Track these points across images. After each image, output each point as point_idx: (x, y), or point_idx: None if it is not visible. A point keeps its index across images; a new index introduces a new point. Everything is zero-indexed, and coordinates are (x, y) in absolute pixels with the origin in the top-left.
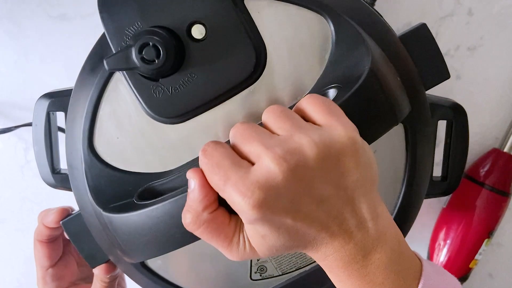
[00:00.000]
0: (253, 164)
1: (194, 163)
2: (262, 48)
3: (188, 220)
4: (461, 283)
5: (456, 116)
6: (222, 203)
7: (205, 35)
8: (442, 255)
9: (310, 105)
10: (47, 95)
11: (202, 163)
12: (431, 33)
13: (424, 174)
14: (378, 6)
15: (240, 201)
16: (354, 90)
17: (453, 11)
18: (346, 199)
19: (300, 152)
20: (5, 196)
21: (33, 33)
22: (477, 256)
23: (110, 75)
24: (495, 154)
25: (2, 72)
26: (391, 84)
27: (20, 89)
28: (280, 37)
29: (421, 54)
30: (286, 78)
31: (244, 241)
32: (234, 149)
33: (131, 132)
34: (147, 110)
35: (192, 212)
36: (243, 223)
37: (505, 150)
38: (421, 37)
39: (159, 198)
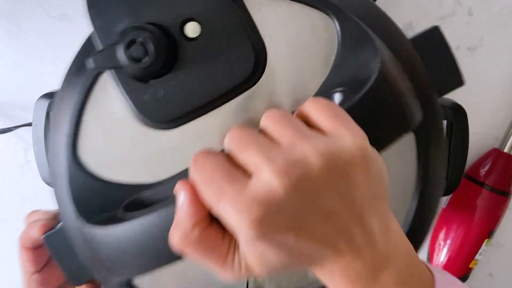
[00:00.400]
0: (250, 176)
1: (186, 174)
2: (261, 48)
3: (176, 238)
4: None
5: (456, 116)
6: (214, 218)
7: (199, 33)
8: (442, 255)
9: (314, 110)
10: (47, 95)
11: (193, 174)
12: (444, 36)
13: (437, 188)
14: (379, 5)
15: (236, 218)
16: (362, 94)
17: (453, 11)
18: (355, 213)
19: (303, 164)
20: (5, 196)
21: (33, 33)
22: (477, 256)
23: (97, 76)
24: (495, 154)
25: (2, 72)
26: (402, 89)
27: (20, 89)
28: (282, 37)
29: (433, 59)
30: (287, 82)
31: (240, 260)
32: (230, 158)
33: (119, 139)
34: (137, 113)
35: (181, 230)
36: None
37: (505, 150)
38: (433, 40)
39: (147, 209)
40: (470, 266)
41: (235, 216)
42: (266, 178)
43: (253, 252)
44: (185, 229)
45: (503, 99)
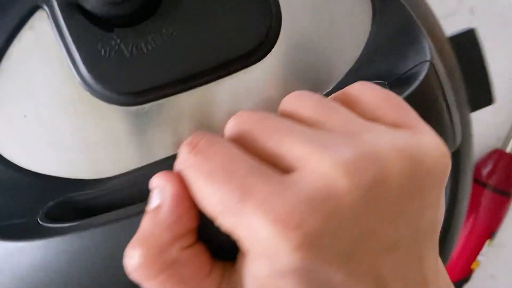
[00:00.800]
0: (288, 171)
1: (152, 170)
2: (276, 11)
3: (137, 260)
4: (463, 285)
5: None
6: (204, 238)
7: None
8: None
9: (367, 95)
10: None
11: (189, 165)
12: (479, 42)
13: (461, 219)
14: None
15: (273, 234)
16: (412, 90)
17: (455, 10)
18: (417, 249)
19: (378, 162)
20: None
21: None
22: (479, 257)
23: (28, 15)
24: (498, 154)
25: None
26: (449, 96)
27: None
28: (301, 3)
29: (465, 67)
30: (304, 63)
31: None
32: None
33: (50, 110)
34: (86, 75)
35: (150, 247)
36: (234, 276)
37: (508, 150)
38: (466, 45)
39: (84, 221)
40: (472, 267)
41: (271, 231)
42: (325, 173)
43: None
44: (158, 244)
45: (506, 99)
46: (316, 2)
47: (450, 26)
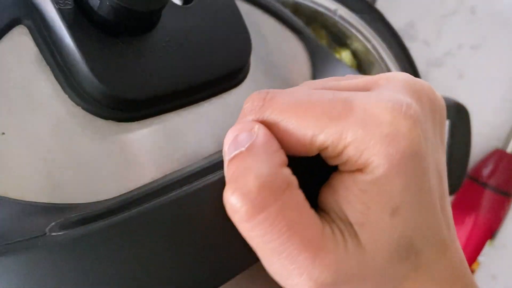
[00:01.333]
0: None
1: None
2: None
3: (244, 191)
4: None
5: (459, 116)
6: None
7: None
8: None
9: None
10: None
11: (271, 107)
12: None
13: None
14: (379, 5)
15: (391, 117)
16: None
17: (456, 10)
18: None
19: (410, 105)
20: None
21: None
22: (479, 258)
23: (8, 28)
24: (498, 154)
25: None
26: None
27: None
28: (259, 42)
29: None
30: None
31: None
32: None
33: (34, 127)
34: (90, 75)
35: (258, 175)
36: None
37: (508, 151)
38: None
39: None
40: (473, 267)
41: (390, 116)
42: (393, 94)
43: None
44: (265, 173)
45: (506, 99)
46: (270, 45)
47: (450, 26)
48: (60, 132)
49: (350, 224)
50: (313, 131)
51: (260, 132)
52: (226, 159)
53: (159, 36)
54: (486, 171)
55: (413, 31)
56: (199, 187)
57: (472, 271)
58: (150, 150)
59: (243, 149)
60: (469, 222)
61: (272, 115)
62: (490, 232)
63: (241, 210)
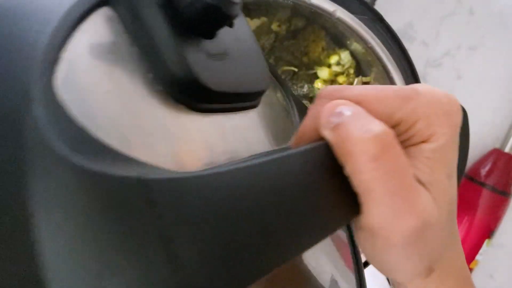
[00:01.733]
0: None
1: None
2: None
3: (378, 128)
4: None
5: None
6: None
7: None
8: None
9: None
10: None
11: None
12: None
13: None
14: (379, 5)
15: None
16: None
17: (454, 10)
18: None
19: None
20: None
21: None
22: (477, 257)
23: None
24: (496, 154)
25: None
26: None
27: None
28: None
29: None
30: (269, 123)
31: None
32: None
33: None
34: (183, 64)
35: (377, 124)
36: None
37: (506, 150)
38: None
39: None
40: (471, 266)
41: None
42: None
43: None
44: (384, 126)
45: (504, 99)
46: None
47: (449, 27)
48: (139, 105)
49: (423, 184)
50: (391, 110)
51: (355, 105)
52: (329, 126)
53: (219, 43)
54: (484, 171)
55: (412, 32)
56: (300, 150)
57: (470, 270)
58: (207, 140)
59: (349, 113)
60: (467, 221)
61: (353, 98)
62: (488, 231)
63: (371, 150)
